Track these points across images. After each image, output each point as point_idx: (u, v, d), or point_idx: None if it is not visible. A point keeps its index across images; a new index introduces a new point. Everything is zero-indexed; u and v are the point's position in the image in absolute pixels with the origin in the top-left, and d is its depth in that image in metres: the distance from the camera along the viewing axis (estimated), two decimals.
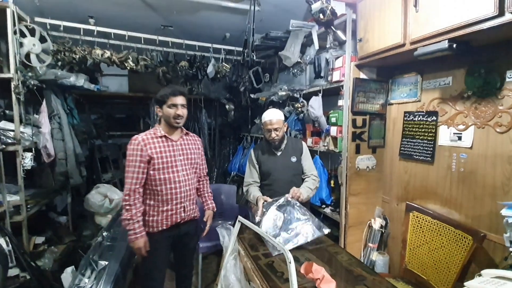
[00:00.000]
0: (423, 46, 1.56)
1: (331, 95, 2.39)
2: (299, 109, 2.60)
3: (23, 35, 2.17)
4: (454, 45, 1.43)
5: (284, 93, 2.70)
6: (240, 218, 1.56)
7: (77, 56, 2.54)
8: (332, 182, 2.43)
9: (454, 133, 1.76)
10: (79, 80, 2.81)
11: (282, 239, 1.55)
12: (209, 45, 3.08)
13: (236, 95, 3.56)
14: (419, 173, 2.02)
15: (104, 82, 3.81)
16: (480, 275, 1.14)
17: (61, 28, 2.49)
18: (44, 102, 2.47)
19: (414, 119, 2.02)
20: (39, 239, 2.46)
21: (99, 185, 2.99)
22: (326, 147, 2.38)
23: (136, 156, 1.59)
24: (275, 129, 1.94)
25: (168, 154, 1.67)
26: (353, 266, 1.40)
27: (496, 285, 1.01)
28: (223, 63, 3.21)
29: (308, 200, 2.00)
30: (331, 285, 1.14)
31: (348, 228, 2.21)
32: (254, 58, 2.77)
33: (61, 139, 2.60)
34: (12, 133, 2.07)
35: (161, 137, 1.68)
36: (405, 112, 2.10)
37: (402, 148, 2.13)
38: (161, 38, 2.84)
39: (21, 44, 2.15)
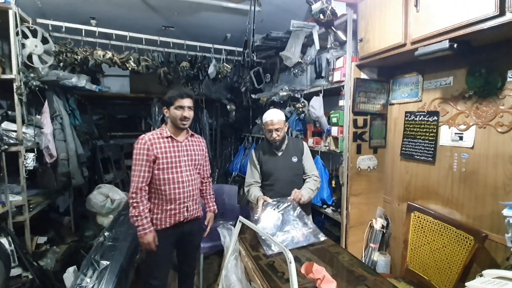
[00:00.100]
0: (424, 46, 1.55)
1: (332, 95, 2.40)
2: (300, 109, 2.60)
3: (25, 36, 2.18)
4: (455, 45, 1.42)
5: (285, 93, 2.71)
6: (241, 218, 1.57)
7: (79, 57, 2.56)
8: (333, 182, 2.43)
9: (455, 133, 1.76)
10: (81, 81, 2.82)
11: (278, 239, 1.55)
12: (210, 45, 3.10)
13: (237, 95, 3.56)
14: (421, 173, 2.01)
15: (105, 83, 3.84)
16: (481, 276, 1.14)
17: (63, 29, 2.52)
18: (46, 103, 2.48)
19: (415, 119, 2.02)
20: (41, 239, 2.47)
21: (101, 185, 2.99)
22: (327, 147, 2.38)
23: (143, 155, 1.62)
24: (276, 130, 1.95)
25: (173, 155, 1.70)
26: (354, 266, 1.40)
27: (498, 285, 1.00)
28: (224, 63, 3.22)
29: (309, 201, 2.01)
30: (331, 285, 1.14)
31: (349, 228, 2.21)
32: (255, 58, 2.78)
33: (63, 139, 2.61)
34: (14, 133, 2.08)
35: (167, 137, 1.71)
36: (406, 112, 2.09)
37: (403, 148, 2.12)
38: (162, 39, 2.86)
39: (23, 45, 2.16)
